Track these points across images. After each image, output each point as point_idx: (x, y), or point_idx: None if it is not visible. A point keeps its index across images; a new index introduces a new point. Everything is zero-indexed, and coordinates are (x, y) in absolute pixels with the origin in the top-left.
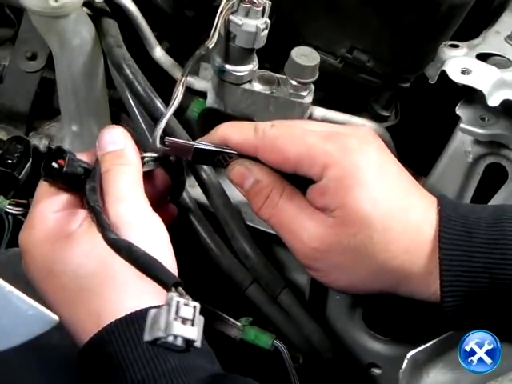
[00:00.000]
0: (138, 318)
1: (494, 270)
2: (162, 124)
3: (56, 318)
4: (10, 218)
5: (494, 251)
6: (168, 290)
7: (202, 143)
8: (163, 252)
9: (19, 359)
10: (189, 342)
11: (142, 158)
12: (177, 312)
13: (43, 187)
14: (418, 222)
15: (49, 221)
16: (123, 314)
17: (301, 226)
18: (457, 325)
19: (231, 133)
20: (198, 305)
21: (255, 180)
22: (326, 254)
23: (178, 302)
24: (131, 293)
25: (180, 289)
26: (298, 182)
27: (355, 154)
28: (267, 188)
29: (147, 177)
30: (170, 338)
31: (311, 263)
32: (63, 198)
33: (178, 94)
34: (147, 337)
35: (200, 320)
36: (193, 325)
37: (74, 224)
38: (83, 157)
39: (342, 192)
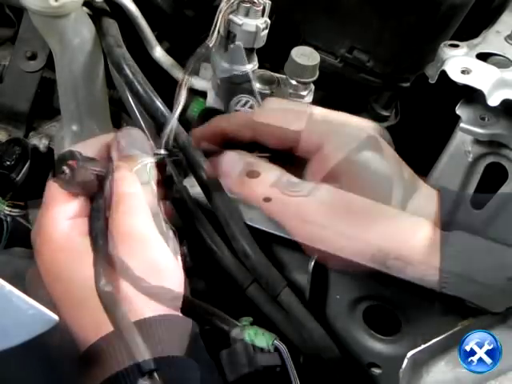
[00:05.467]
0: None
1: None
2: (169, 128)
3: (56, 317)
4: (8, 219)
5: None
6: (141, 375)
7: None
8: (172, 268)
9: (19, 359)
10: None
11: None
12: None
13: (55, 188)
14: None
15: (62, 227)
16: None
17: None
18: None
19: (225, 122)
20: None
21: None
22: None
23: None
24: (134, 308)
25: (154, 375)
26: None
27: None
28: None
29: None
30: None
31: None
32: (76, 204)
33: (182, 97)
34: None
35: None
36: None
37: (85, 233)
38: (93, 146)
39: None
